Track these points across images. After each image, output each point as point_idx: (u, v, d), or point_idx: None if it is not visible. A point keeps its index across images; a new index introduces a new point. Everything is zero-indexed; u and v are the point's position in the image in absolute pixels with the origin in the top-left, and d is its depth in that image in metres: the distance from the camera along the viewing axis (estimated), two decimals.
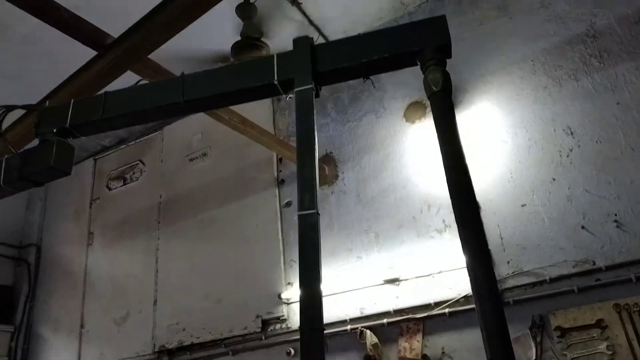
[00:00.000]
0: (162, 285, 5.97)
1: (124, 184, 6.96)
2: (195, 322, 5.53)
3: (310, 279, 1.48)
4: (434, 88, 1.74)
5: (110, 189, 7.09)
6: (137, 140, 7.06)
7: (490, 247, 4.29)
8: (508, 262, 4.21)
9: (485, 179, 4.49)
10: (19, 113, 3.14)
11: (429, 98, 1.80)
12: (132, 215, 6.67)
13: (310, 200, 1.58)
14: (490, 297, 1.99)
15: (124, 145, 7.18)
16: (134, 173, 6.92)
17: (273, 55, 1.88)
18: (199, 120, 6.34)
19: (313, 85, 1.77)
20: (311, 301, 1.45)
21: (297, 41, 1.91)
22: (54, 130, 2.00)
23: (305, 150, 1.63)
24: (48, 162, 1.91)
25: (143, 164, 6.88)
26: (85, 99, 2.09)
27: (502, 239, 4.29)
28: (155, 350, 5.68)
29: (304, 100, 1.73)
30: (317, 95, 1.84)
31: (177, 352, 5.56)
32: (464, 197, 1.81)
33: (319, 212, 5.12)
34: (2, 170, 1.99)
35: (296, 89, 1.74)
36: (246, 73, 1.90)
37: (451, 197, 2.09)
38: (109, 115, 1.95)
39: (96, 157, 7.40)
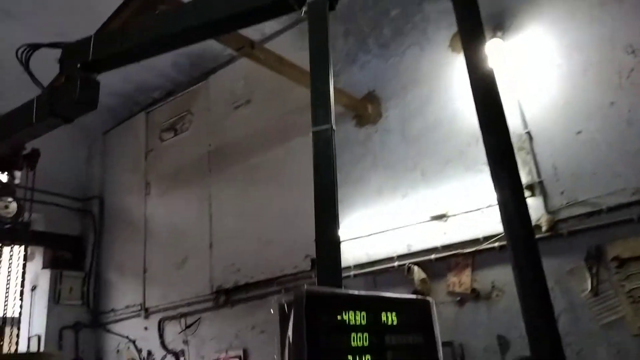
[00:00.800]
0: (216, 230, 6.17)
1: (175, 135, 7.13)
2: (249, 263, 5.71)
3: (325, 195, 1.44)
4: None
5: (162, 140, 7.29)
6: (185, 91, 7.16)
7: (543, 177, 4.10)
8: (562, 193, 4.02)
9: (537, 106, 4.24)
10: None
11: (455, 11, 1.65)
12: (184, 164, 6.86)
13: (324, 115, 1.52)
14: (525, 239, 1.89)
15: (172, 97, 7.30)
16: (183, 124, 7.07)
17: None
18: (241, 67, 6.35)
19: None
20: (326, 215, 1.42)
21: None
22: (78, 66, 2.03)
23: (318, 63, 1.56)
24: (73, 97, 1.95)
25: (191, 114, 7.00)
26: (105, 32, 2.10)
27: (555, 168, 4.08)
28: (213, 290, 5.94)
29: (317, 11, 1.64)
30: (333, 8, 1.74)
31: (233, 291, 5.79)
32: (491, 114, 1.70)
33: (363, 151, 5.03)
34: (34, 108, 2.06)
35: (309, 1, 1.66)
36: None
37: (478, 118, 1.97)
38: (128, 46, 1.95)
39: (148, 110, 7.60)
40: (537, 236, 3.91)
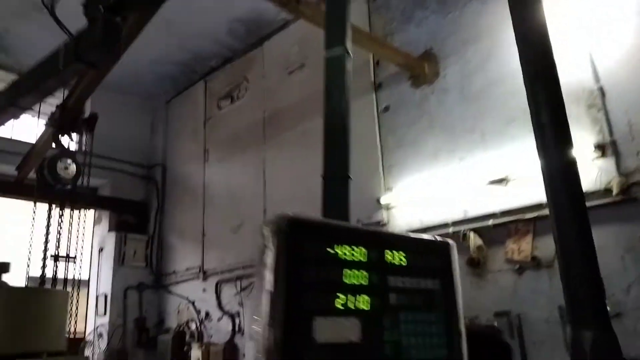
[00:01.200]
0: (270, 195, 6.17)
1: (232, 102, 7.16)
2: None
3: (335, 126, 1.30)
4: None
5: (220, 108, 7.35)
6: (241, 59, 7.14)
7: (616, 136, 3.71)
8: (638, 153, 3.62)
9: (612, 58, 3.81)
10: None
11: None
12: (240, 131, 6.89)
13: (338, 39, 1.35)
14: (571, 207, 1.66)
15: (229, 65, 7.31)
16: (239, 91, 7.07)
17: None
18: (295, 32, 6.23)
19: None
20: (336, 149, 1.28)
21: None
22: (101, 9, 1.97)
23: None
24: (96, 40, 1.90)
25: (247, 81, 6.99)
26: None
27: (630, 126, 3.67)
28: None
29: None
30: None
31: None
32: (538, 65, 1.48)
33: (419, 112, 4.76)
34: (61, 55, 2.04)
35: None
36: None
37: (522, 69, 1.75)
38: None
39: (206, 79, 7.67)
40: (606, 200, 3.58)
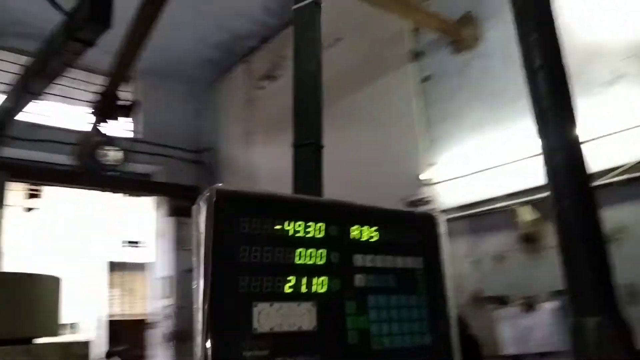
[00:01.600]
0: None
1: (272, 82, 7.08)
2: None
3: (306, 87, 1.16)
4: None
5: (261, 89, 7.29)
6: (278, 36, 7.04)
7: None
8: None
9: None
10: None
11: None
12: (280, 111, 6.74)
13: None
14: (572, 180, 1.44)
15: (267, 44, 7.22)
16: (278, 70, 6.98)
17: None
18: (331, 4, 6.01)
19: None
20: (307, 112, 1.13)
21: None
22: None
23: None
24: (86, 15, 1.83)
25: (285, 59, 6.87)
26: None
27: None
28: None
29: None
30: None
31: None
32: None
33: (460, 81, 4.48)
34: (59, 35, 1.99)
35: None
36: None
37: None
38: None
39: (246, 60, 7.62)
40: None
